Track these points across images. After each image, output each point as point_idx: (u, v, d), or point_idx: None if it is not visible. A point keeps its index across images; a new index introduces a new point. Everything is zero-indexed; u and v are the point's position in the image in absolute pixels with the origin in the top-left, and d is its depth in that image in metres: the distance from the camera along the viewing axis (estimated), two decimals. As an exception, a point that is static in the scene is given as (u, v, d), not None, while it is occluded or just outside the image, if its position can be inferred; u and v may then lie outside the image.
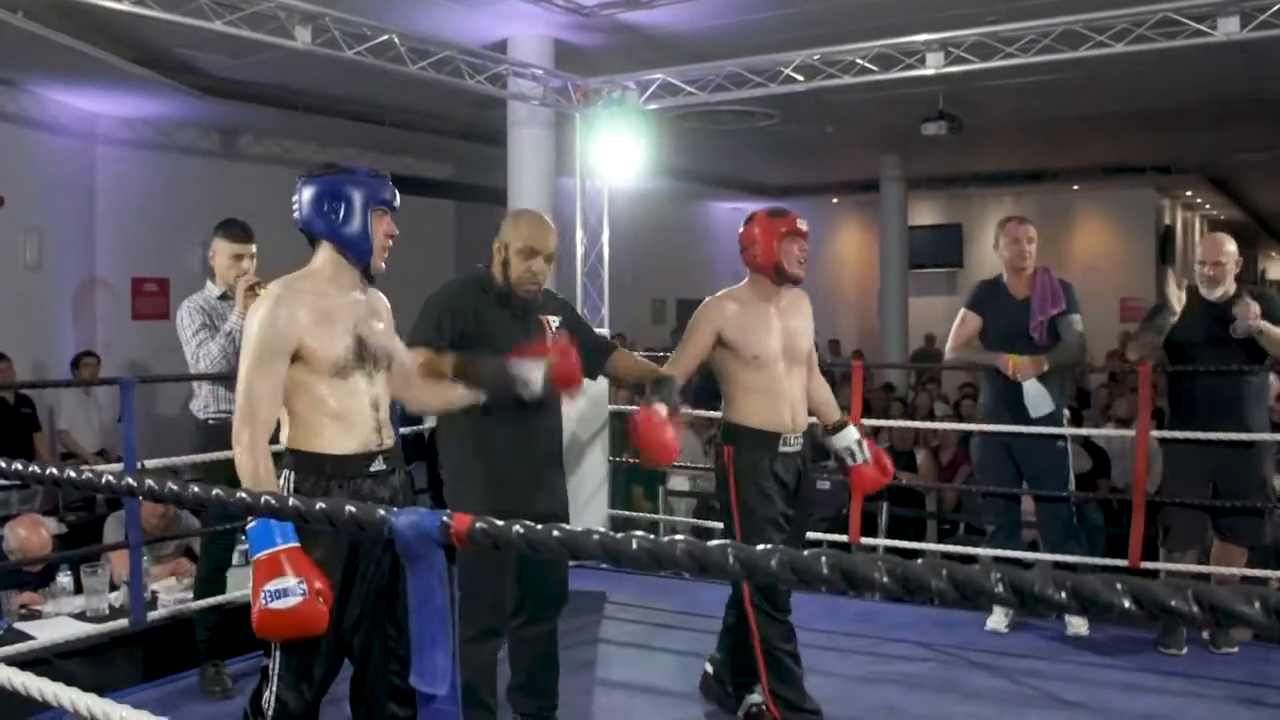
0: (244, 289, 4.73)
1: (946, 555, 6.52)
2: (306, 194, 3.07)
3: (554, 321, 3.85)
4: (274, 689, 2.92)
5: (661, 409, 3.83)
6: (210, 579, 4.95)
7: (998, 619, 5.45)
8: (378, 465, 3.05)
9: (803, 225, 4.15)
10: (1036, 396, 5.24)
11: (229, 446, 3.08)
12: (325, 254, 3.09)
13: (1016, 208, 17.43)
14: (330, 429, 2.97)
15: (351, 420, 2.99)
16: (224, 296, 4.98)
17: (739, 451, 4.06)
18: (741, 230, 4.17)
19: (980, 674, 4.87)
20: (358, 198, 3.07)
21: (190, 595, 5.33)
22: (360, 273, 3.10)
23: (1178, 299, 5.26)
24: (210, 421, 4.97)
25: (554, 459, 3.92)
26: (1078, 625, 5.36)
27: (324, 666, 2.96)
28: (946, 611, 5.74)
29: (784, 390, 4.08)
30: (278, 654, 2.91)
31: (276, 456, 2.98)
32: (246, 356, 2.94)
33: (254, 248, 5.03)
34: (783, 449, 4.05)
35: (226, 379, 4.80)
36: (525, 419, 3.68)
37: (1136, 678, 4.78)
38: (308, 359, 2.94)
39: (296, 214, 3.10)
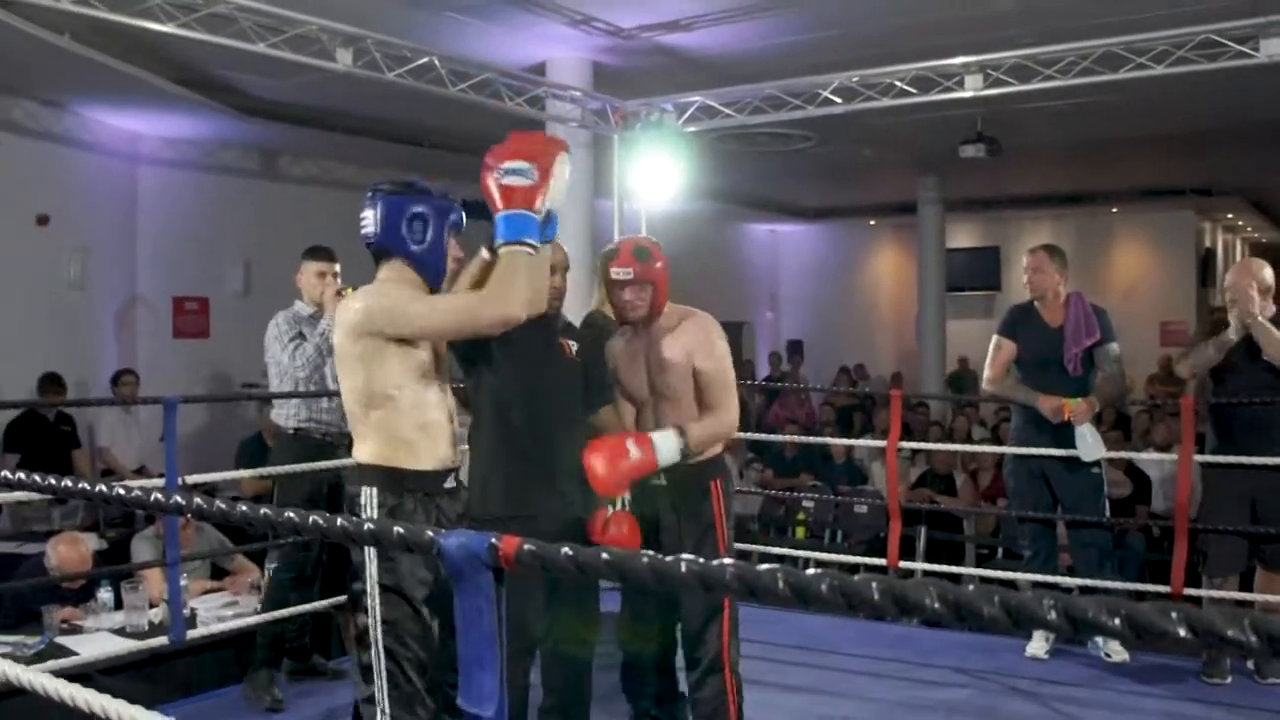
0: (333, 294, 4.93)
1: (985, 580, 6.48)
2: (383, 210, 3.06)
3: (573, 347, 3.93)
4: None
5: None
6: (278, 590, 5.06)
7: (1038, 645, 5.39)
8: (450, 482, 3.10)
9: (618, 274, 3.69)
10: (1092, 442, 5.16)
11: (314, 456, 3.18)
12: (397, 271, 3.08)
13: (1055, 230, 17.33)
14: (416, 444, 2.99)
15: (434, 435, 3.02)
16: (311, 316, 5.16)
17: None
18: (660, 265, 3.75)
19: (1020, 701, 4.82)
20: (436, 218, 3.08)
21: (229, 613, 5.38)
22: (427, 292, 3.10)
23: (1237, 330, 5.17)
24: (297, 431, 5.05)
25: (575, 474, 3.81)
26: (1117, 651, 5.30)
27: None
28: (986, 637, 5.69)
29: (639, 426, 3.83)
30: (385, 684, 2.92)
31: (362, 470, 3.02)
32: (410, 304, 2.95)
33: (337, 266, 5.24)
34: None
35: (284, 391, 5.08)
36: (547, 433, 3.72)
37: (1179, 706, 4.72)
38: (400, 356, 2.95)
39: (370, 229, 3.07)
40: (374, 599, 2.91)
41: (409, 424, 2.97)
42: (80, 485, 1.85)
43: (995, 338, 5.52)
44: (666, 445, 3.55)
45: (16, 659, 4.56)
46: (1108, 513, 5.49)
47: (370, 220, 3.06)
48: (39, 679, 1.90)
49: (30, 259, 8.95)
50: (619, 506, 3.77)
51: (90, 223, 9.70)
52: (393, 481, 2.97)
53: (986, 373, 5.55)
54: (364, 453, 3.01)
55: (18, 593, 5.39)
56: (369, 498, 2.97)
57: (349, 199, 13.07)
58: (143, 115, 9.67)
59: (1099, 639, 5.33)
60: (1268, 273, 5.15)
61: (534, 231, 2.89)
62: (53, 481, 1.88)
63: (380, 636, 2.91)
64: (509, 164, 2.93)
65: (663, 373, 3.73)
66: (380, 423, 2.97)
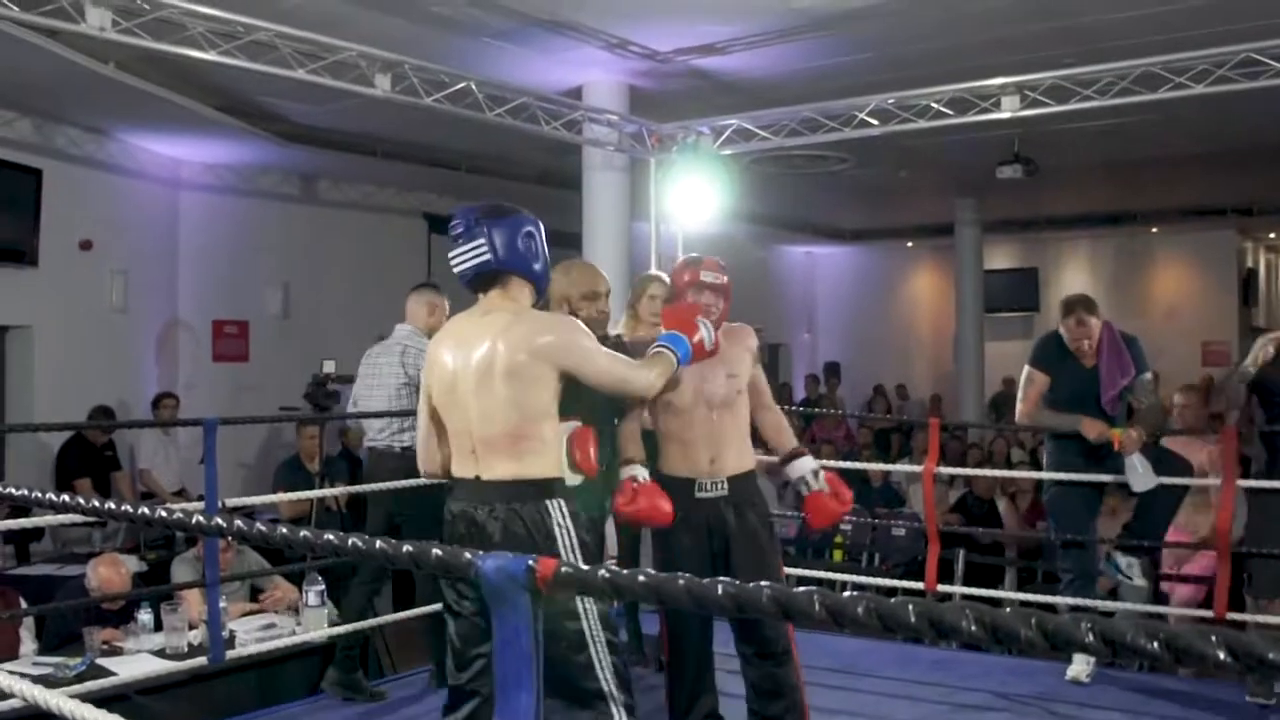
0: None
1: (1024, 604, 6.42)
2: (505, 231, 3.15)
3: None
4: None
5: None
6: (360, 599, 5.35)
7: (1079, 668, 5.32)
8: None
9: (711, 277, 3.97)
10: (1142, 472, 5.10)
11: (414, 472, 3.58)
12: (516, 289, 3.22)
13: (1093, 251, 17.22)
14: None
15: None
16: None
17: None
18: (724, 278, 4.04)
19: (1060, 726, 4.78)
20: (540, 234, 3.26)
21: (266, 634, 5.41)
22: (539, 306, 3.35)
23: (1255, 361, 5.13)
24: (404, 450, 5.26)
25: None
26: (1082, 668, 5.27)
27: None
28: (1025, 661, 5.64)
29: (698, 435, 3.92)
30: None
31: (534, 485, 3.13)
32: (596, 356, 3.19)
33: (446, 300, 5.59)
34: (698, 495, 3.92)
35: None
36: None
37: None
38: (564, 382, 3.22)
39: (488, 254, 3.15)
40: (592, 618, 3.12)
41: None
42: (122, 508, 1.87)
43: (1027, 369, 5.44)
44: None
45: (58, 680, 4.62)
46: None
47: (485, 245, 3.14)
48: (75, 707, 1.91)
49: (73, 283, 9.07)
50: (640, 480, 3.78)
51: (132, 247, 9.82)
52: (567, 492, 3.17)
53: (1020, 406, 5.49)
54: (537, 467, 3.12)
55: (59, 614, 5.44)
56: (559, 509, 3.12)
57: (387, 223, 13.26)
58: (184, 141, 9.80)
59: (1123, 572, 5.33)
60: None
61: (684, 361, 3.45)
62: (95, 504, 1.90)
63: (608, 658, 3.13)
64: (708, 326, 3.60)
65: (734, 377, 3.96)
66: (550, 437, 3.14)
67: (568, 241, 9.87)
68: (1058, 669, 5.38)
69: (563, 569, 1.26)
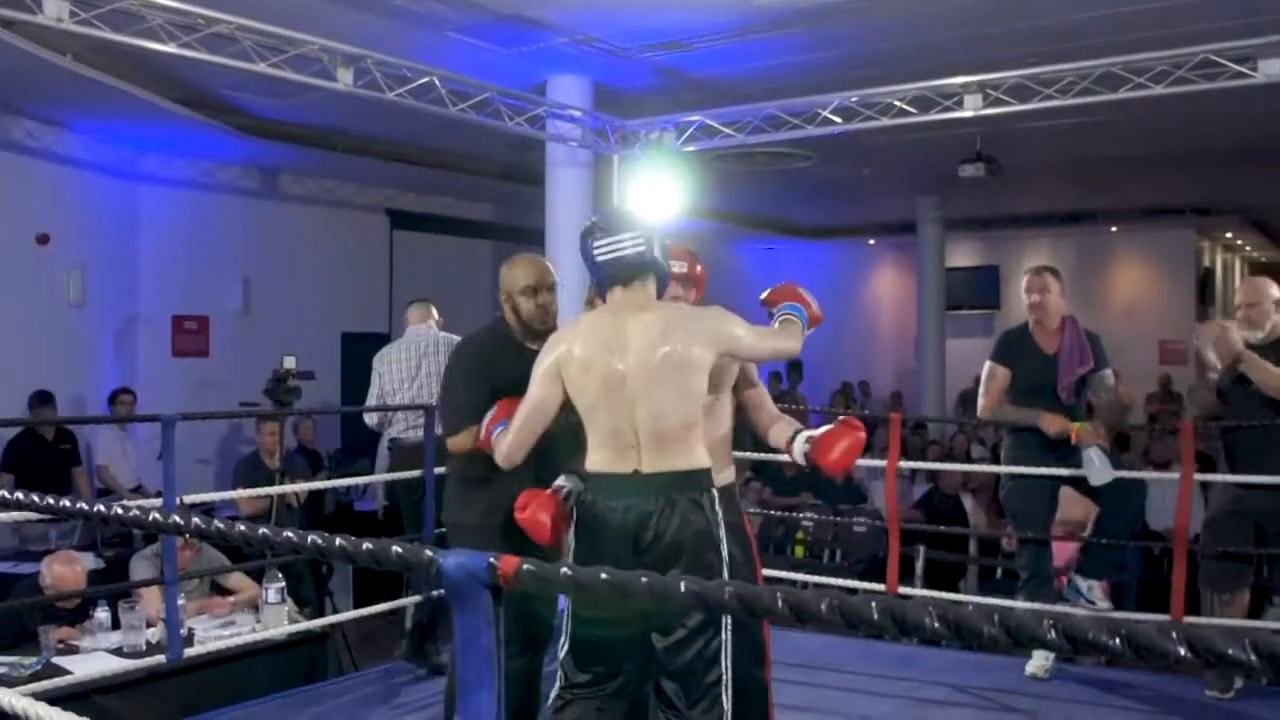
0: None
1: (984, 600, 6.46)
2: (652, 230, 3.35)
3: None
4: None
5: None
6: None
7: (1038, 663, 5.36)
8: None
9: (675, 266, 3.72)
10: (1100, 467, 5.14)
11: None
12: (652, 289, 3.36)
13: (1054, 249, 17.35)
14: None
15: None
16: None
17: None
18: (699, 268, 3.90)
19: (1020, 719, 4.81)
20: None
21: (226, 632, 5.37)
22: None
23: (1213, 355, 5.18)
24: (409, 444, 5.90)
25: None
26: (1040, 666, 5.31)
27: None
28: (985, 656, 5.68)
29: None
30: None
31: (704, 474, 3.24)
32: (746, 334, 3.35)
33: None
34: None
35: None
36: (541, 478, 3.60)
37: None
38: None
39: (644, 245, 3.30)
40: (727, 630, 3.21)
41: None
42: (78, 505, 1.85)
43: (989, 364, 5.48)
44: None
45: (13, 679, 4.56)
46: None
47: (643, 239, 3.30)
48: (26, 705, 1.88)
49: (30, 277, 8.96)
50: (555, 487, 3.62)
51: (90, 241, 9.71)
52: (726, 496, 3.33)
53: (981, 400, 5.53)
54: (697, 458, 3.22)
55: (14, 612, 5.37)
56: (713, 501, 3.22)
57: (349, 218, 13.18)
58: (144, 134, 9.70)
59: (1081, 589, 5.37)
60: (1275, 290, 5.17)
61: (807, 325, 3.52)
62: (50, 501, 1.88)
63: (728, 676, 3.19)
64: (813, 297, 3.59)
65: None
66: (700, 432, 3.26)
67: (530, 237, 9.85)
68: (1017, 664, 5.42)
69: (525, 566, 1.25)
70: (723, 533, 3.19)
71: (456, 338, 5.82)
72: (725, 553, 3.20)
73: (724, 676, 3.15)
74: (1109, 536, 5.37)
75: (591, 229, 3.32)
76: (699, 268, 3.84)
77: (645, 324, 3.21)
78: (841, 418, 3.66)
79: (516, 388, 3.51)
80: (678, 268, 3.71)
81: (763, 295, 3.59)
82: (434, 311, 6.76)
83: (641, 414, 3.16)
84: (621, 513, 3.15)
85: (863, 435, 3.54)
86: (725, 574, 3.18)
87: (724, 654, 3.16)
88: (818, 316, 3.53)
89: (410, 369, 6.44)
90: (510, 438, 3.39)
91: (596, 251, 3.29)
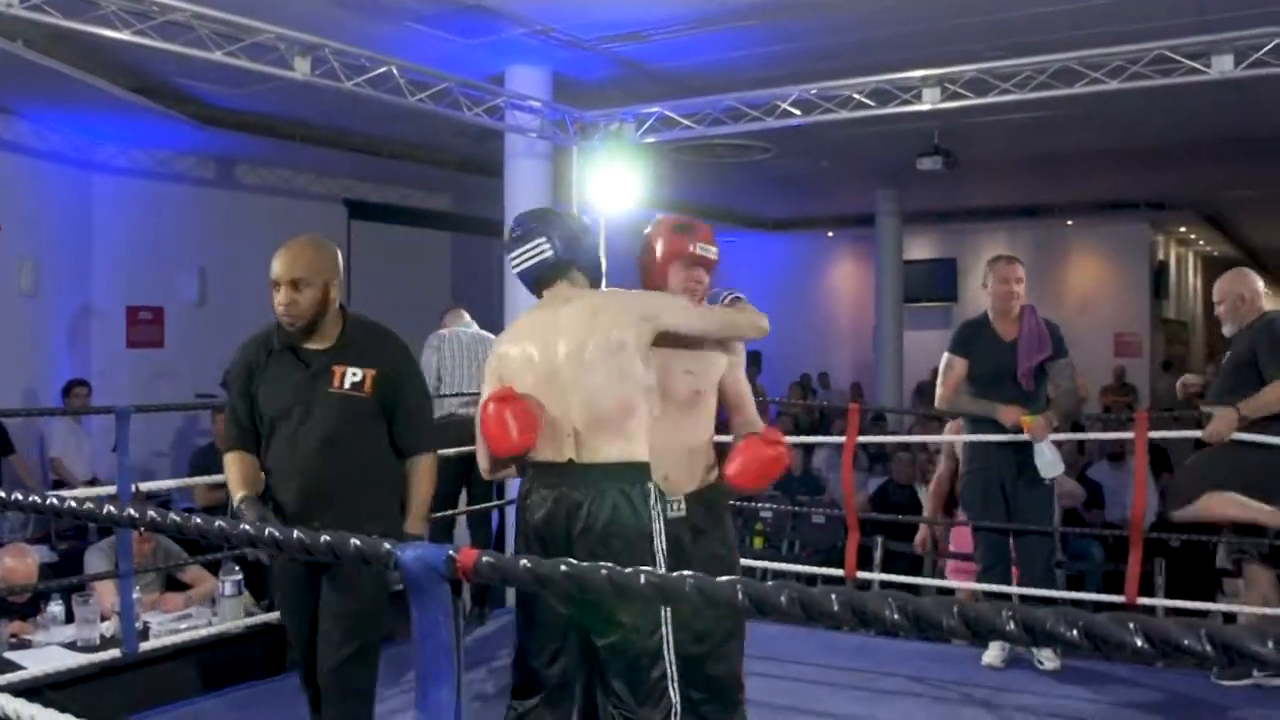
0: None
1: (943, 591, 6.50)
2: (561, 228, 3.38)
3: (353, 375, 3.43)
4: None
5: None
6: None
7: (994, 654, 5.41)
8: None
9: (706, 252, 3.53)
10: (1051, 459, 5.18)
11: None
12: (583, 281, 3.43)
13: (1011, 242, 17.46)
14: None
15: None
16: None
17: None
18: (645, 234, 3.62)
19: (977, 710, 4.84)
20: (595, 235, 3.68)
21: (182, 626, 5.32)
22: None
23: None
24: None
25: (316, 501, 3.42)
26: (1049, 659, 5.33)
27: None
28: (943, 647, 5.71)
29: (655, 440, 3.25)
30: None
31: (639, 467, 3.18)
32: (676, 307, 3.38)
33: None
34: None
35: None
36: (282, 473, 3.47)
37: (1132, 714, 4.75)
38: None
39: (548, 250, 3.36)
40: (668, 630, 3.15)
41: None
42: (30, 498, 1.82)
43: (946, 356, 5.50)
44: None
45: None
46: (1057, 523, 5.51)
47: (546, 243, 3.32)
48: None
49: (-19, 267, 8.85)
50: None
51: (43, 231, 9.59)
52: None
53: (939, 390, 5.55)
54: (635, 449, 3.15)
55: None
56: (646, 496, 3.14)
57: (306, 208, 13.09)
58: (97, 123, 9.59)
59: (1033, 648, 5.37)
60: (1236, 285, 5.23)
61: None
62: (1, 494, 1.85)
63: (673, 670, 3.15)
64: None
65: (691, 374, 3.52)
66: (641, 422, 3.18)
67: (489, 228, 9.83)
68: (974, 654, 5.46)
69: (484, 558, 1.24)
70: (657, 526, 3.11)
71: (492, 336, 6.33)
72: (658, 547, 3.12)
73: (668, 670, 3.12)
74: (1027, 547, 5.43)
75: (507, 242, 3.39)
76: (716, 251, 3.59)
77: (574, 312, 3.23)
78: (764, 429, 3.55)
79: (275, 389, 3.45)
80: (703, 250, 3.51)
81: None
82: (465, 314, 7.19)
83: (575, 401, 3.14)
84: (553, 502, 3.13)
85: (771, 453, 3.40)
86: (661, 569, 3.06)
87: (665, 647, 3.12)
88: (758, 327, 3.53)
89: (471, 353, 6.78)
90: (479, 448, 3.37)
91: (512, 264, 3.36)
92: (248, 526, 1.52)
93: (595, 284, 3.41)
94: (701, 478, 3.45)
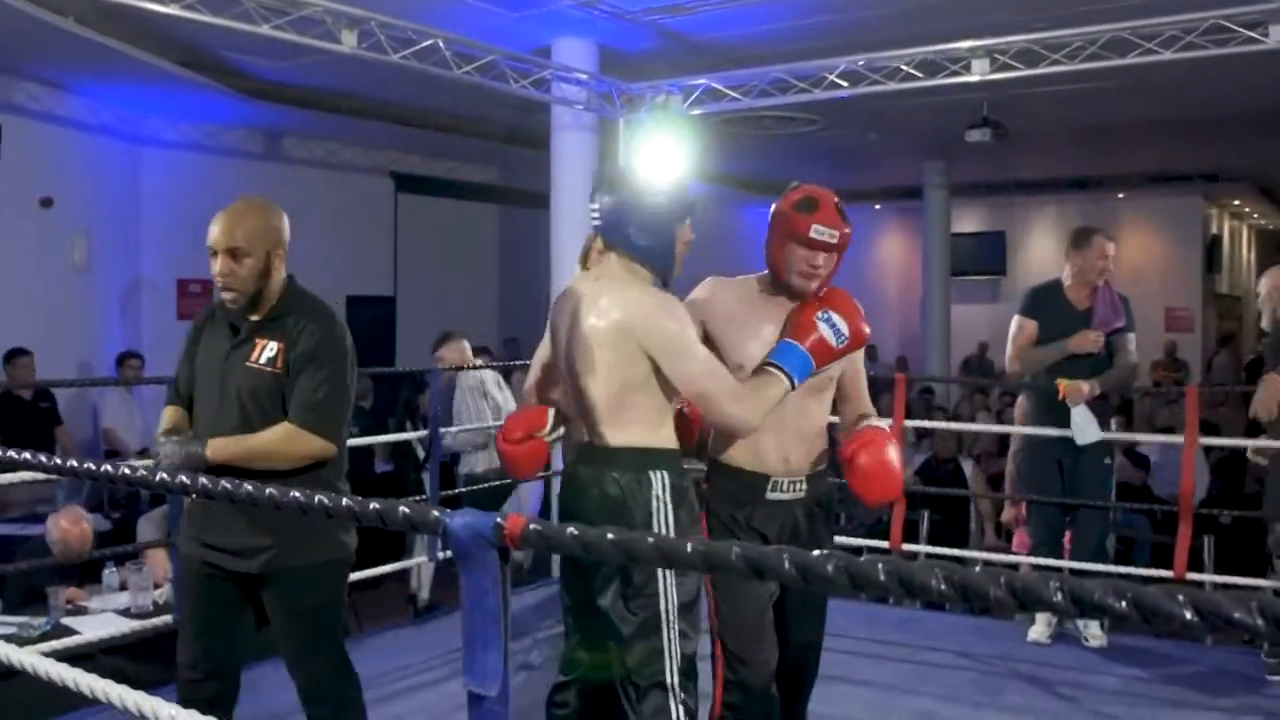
0: None
1: (988, 564, 6.48)
2: (617, 198, 2.99)
3: (269, 350, 3.16)
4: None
5: None
6: None
7: (1040, 629, 5.39)
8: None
9: (825, 235, 3.09)
10: (1084, 424, 5.14)
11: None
12: (631, 262, 3.02)
13: (1060, 216, 17.29)
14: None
15: None
16: None
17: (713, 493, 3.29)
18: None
19: (1021, 685, 4.83)
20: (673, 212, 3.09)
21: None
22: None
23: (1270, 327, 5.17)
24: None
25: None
26: (1095, 636, 5.30)
27: None
28: (988, 621, 5.70)
29: (772, 421, 3.02)
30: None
31: (634, 452, 2.93)
32: (688, 353, 2.97)
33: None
34: (770, 496, 3.18)
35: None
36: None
37: (1178, 692, 4.72)
38: None
39: (598, 219, 3.00)
40: (671, 615, 2.87)
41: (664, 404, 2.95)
42: (86, 466, 1.85)
43: (1017, 319, 5.46)
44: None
45: (23, 639, 4.58)
46: (1113, 502, 5.48)
47: (598, 210, 3.00)
48: (37, 662, 1.90)
49: (34, 241, 8.96)
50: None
51: (94, 205, 9.70)
52: (673, 464, 2.95)
53: (1009, 351, 5.50)
54: (639, 435, 2.91)
55: (23, 573, 5.39)
56: (652, 483, 2.89)
57: (353, 181, 13.14)
58: (146, 97, 9.67)
59: (1079, 624, 5.34)
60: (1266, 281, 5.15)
61: (802, 377, 2.93)
62: (59, 462, 1.88)
63: (679, 649, 2.88)
64: (836, 316, 3.01)
65: None
66: (653, 408, 2.92)
67: (535, 201, 9.83)
68: (1019, 630, 5.44)
69: (531, 526, 1.25)
70: (663, 519, 2.88)
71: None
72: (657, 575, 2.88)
73: (669, 680, 2.86)
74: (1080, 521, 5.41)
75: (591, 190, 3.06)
76: (843, 232, 3.14)
77: (587, 293, 2.95)
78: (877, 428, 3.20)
79: (204, 357, 3.26)
80: (823, 234, 3.08)
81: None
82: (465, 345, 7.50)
83: (574, 386, 2.98)
84: (575, 477, 3.01)
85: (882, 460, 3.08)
86: (663, 601, 2.88)
87: (670, 672, 2.86)
88: (827, 351, 3.00)
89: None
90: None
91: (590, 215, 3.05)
92: (298, 495, 1.53)
93: (655, 266, 2.99)
94: (817, 462, 3.25)
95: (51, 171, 9.12)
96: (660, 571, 2.83)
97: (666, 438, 2.95)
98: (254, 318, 3.19)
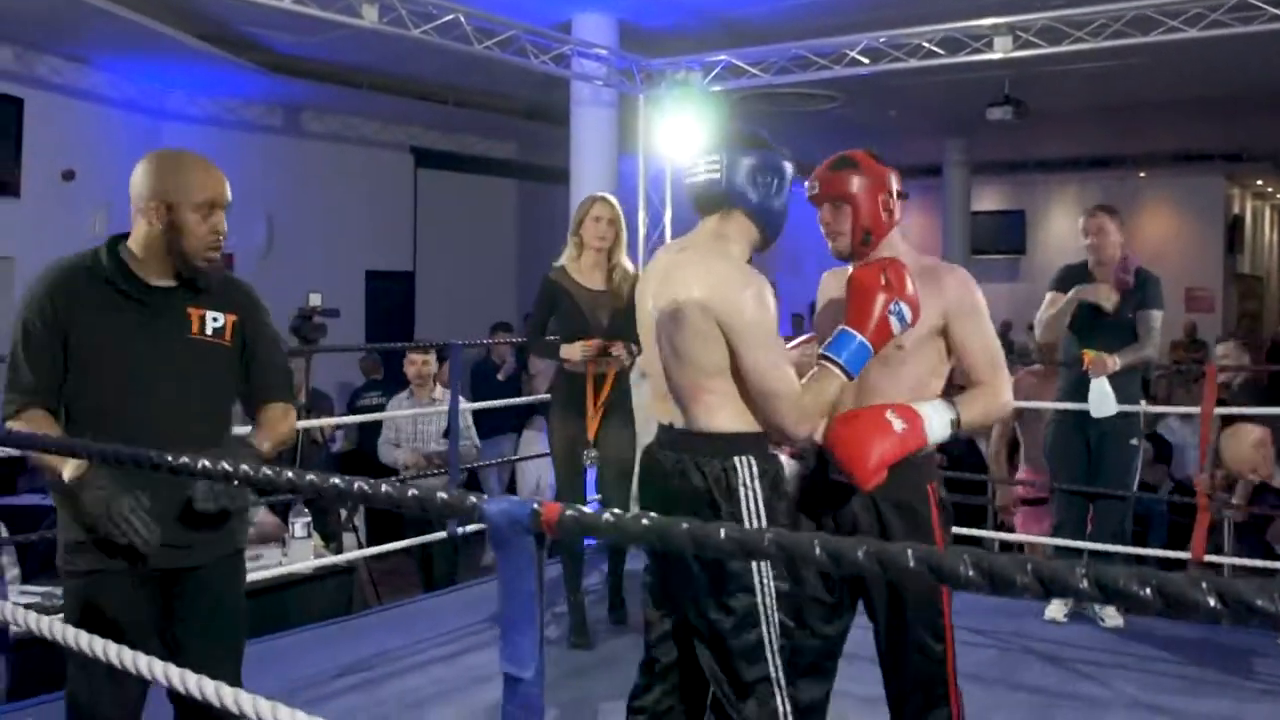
0: None
1: (1004, 546, 6.49)
2: (746, 157, 2.86)
3: (215, 319, 2.84)
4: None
5: None
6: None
7: (1056, 608, 5.40)
8: None
9: (807, 190, 3.15)
10: (1100, 397, 5.15)
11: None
12: (744, 229, 2.87)
13: (1081, 195, 17.22)
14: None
15: None
16: None
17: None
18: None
19: (1043, 664, 4.84)
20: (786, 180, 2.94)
21: (253, 566, 5.44)
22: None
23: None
24: None
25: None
26: (1112, 617, 5.31)
27: None
28: (1003, 600, 5.71)
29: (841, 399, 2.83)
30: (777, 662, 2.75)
31: (720, 438, 2.75)
32: (761, 342, 2.73)
33: None
34: (833, 477, 2.97)
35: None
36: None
37: (1196, 671, 4.73)
38: None
39: (716, 178, 2.82)
40: (769, 606, 2.73)
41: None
42: (97, 445, 1.88)
43: (1049, 294, 5.48)
44: (938, 419, 2.83)
45: (46, 609, 4.63)
46: (1135, 487, 5.48)
47: (719, 165, 2.86)
48: (66, 631, 1.93)
49: (56, 214, 9.00)
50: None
51: (116, 179, 9.68)
52: (760, 450, 2.78)
53: (1038, 317, 5.55)
54: (719, 420, 2.74)
55: (49, 544, 5.44)
56: (748, 469, 2.73)
57: (373, 156, 13.12)
58: (168, 71, 9.69)
59: (1095, 605, 5.36)
60: None
61: (858, 368, 2.73)
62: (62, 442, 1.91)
63: (778, 641, 2.74)
64: (904, 303, 2.74)
65: None
66: (723, 399, 2.74)
67: (554, 176, 9.83)
68: (1035, 608, 5.45)
69: (567, 512, 1.27)
70: (753, 508, 2.71)
71: None
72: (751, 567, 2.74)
73: (772, 674, 2.74)
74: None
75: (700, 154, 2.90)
76: (856, 179, 3.22)
77: (674, 263, 2.81)
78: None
79: (104, 332, 2.76)
80: (806, 189, 3.11)
81: (855, 270, 2.90)
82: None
83: (656, 363, 2.84)
84: (657, 463, 2.86)
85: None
86: (758, 591, 2.74)
87: (768, 647, 2.73)
88: (886, 331, 2.74)
89: None
90: None
91: (686, 178, 2.89)
92: (313, 477, 1.56)
93: (769, 232, 2.90)
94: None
95: (74, 145, 9.16)
96: (756, 561, 2.63)
97: (753, 421, 2.75)
98: (165, 284, 2.82)
